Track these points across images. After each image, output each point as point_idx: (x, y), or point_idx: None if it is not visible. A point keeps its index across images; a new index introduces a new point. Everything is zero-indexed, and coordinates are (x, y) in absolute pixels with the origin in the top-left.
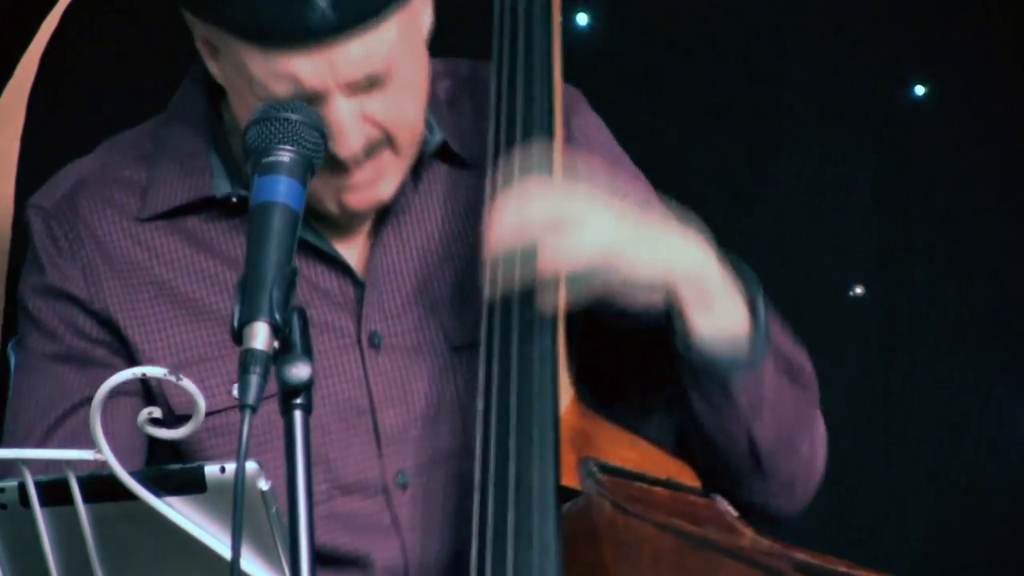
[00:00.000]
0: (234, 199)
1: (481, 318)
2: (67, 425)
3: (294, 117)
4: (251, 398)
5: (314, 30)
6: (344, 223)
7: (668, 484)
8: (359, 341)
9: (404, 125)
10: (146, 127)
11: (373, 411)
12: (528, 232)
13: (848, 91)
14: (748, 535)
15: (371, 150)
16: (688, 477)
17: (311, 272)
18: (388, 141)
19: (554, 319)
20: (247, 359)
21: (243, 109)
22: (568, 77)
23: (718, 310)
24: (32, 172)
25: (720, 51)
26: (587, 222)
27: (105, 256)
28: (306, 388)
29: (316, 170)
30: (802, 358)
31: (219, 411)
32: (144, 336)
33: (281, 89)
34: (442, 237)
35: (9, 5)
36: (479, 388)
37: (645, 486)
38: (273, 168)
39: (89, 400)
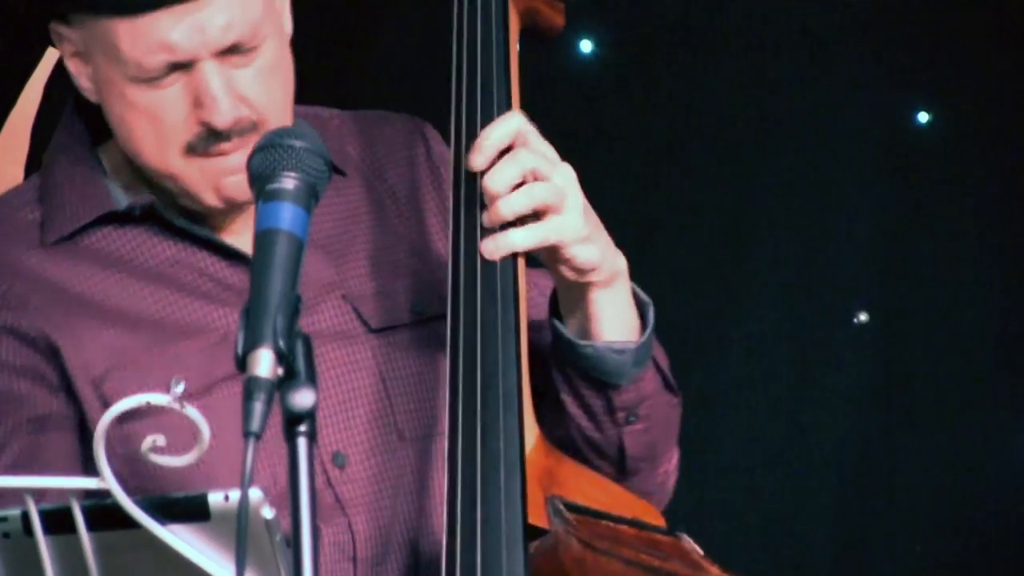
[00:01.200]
0: (136, 211)
1: (401, 301)
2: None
3: (298, 144)
4: (255, 425)
5: None
6: (229, 214)
7: (634, 523)
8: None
9: (273, 110)
10: (26, 182)
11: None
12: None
13: (852, 119)
14: (715, 572)
15: (242, 131)
16: (653, 516)
17: (215, 267)
18: (257, 127)
19: (519, 356)
20: (251, 386)
21: (116, 105)
22: (572, 103)
23: (620, 314)
24: None
25: (723, 79)
26: (569, 199)
27: (23, 279)
28: (310, 416)
29: (320, 197)
30: (671, 371)
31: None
32: (75, 345)
33: (153, 61)
34: (336, 233)
35: (14, 33)
36: (446, 429)
37: (611, 524)
38: (277, 195)
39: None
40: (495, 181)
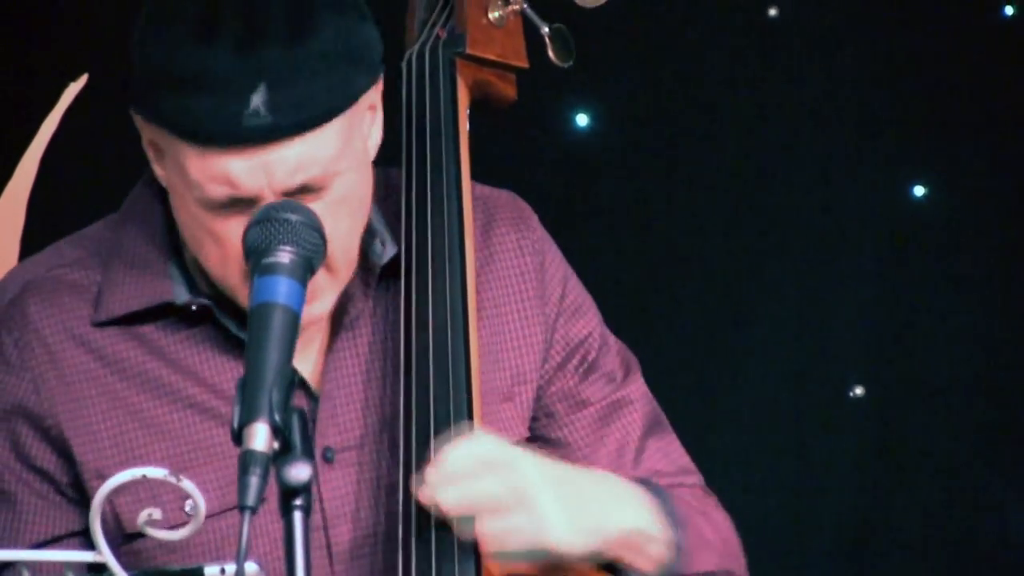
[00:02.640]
0: (193, 307)
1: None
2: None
3: (294, 218)
4: (250, 499)
5: (249, 131)
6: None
7: None
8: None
9: (337, 237)
10: (95, 230)
11: (326, 527)
12: (466, 504)
13: (848, 193)
14: None
15: None
16: None
17: None
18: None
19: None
20: (247, 460)
21: (183, 213)
22: (569, 175)
23: (641, 556)
24: None
25: (718, 153)
26: (524, 506)
27: (56, 367)
28: (306, 489)
29: (316, 271)
30: (727, 550)
31: (175, 526)
32: (95, 451)
33: (216, 192)
34: (396, 350)
35: (10, 107)
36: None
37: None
38: (273, 269)
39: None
40: (445, 500)
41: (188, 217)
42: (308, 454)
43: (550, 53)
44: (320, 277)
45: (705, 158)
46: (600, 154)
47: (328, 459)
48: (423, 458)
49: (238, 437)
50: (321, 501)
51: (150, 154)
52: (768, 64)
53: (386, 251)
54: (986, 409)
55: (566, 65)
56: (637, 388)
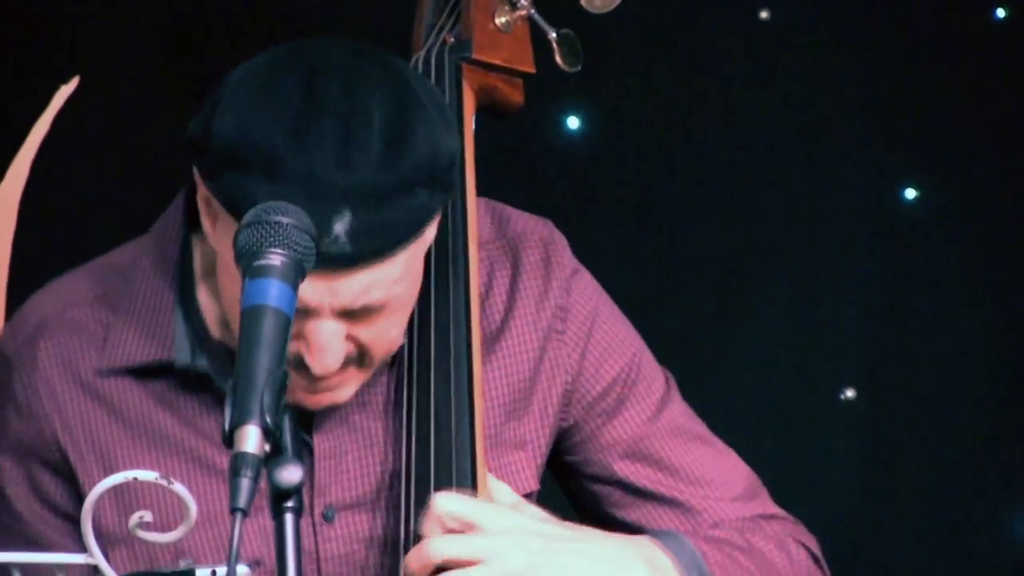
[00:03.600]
0: (192, 372)
1: None
2: None
3: (285, 220)
4: (242, 502)
5: (326, 258)
6: (297, 412)
7: None
8: (311, 514)
9: (383, 345)
10: (115, 258)
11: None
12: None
13: (839, 195)
14: None
15: (344, 365)
16: None
17: None
18: (361, 358)
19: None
20: (238, 462)
21: (228, 286)
22: (561, 179)
23: None
24: (23, 276)
25: (710, 155)
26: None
27: (61, 415)
28: (297, 491)
29: (306, 273)
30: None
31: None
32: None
33: None
34: (398, 411)
35: (1, 109)
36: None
37: None
38: (264, 272)
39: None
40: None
41: (230, 292)
42: (298, 456)
43: (557, 58)
44: (352, 369)
45: (697, 161)
46: (592, 157)
47: (328, 518)
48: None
49: (229, 439)
50: (318, 562)
51: (201, 207)
52: (760, 67)
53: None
54: (978, 412)
55: (574, 70)
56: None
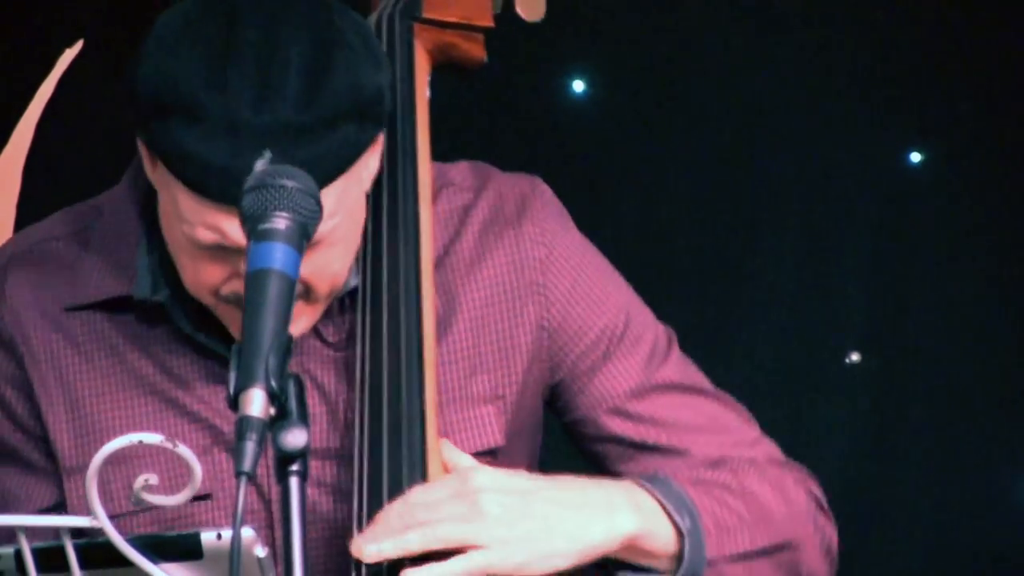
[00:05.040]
0: (151, 302)
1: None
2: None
3: (290, 184)
4: (247, 465)
5: None
6: None
7: None
8: (265, 455)
9: (326, 280)
10: (90, 204)
11: (272, 527)
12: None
13: (845, 159)
14: None
15: None
16: None
17: (221, 374)
18: (306, 293)
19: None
20: (243, 426)
21: (168, 230)
22: (565, 142)
23: (651, 551)
24: None
25: (715, 119)
26: (480, 540)
27: (28, 346)
28: (302, 455)
29: (311, 236)
30: (770, 530)
31: (120, 515)
32: (55, 428)
33: (205, 236)
34: (353, 363)
35: (5, 73)
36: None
37: None
38: (269, 235)
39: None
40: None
41: (171, 234)
42: (303, 420)
43: (516, 8)
44: (299, 304)
45: (701, 125)
46: (597, 121)
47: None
48: (373, 511)
49: (234, 403)
50: (268, 501)
51: (143, 152)
52: (765, 30)
53: (350, 281)
54: (983, 374)
55: (534, 21)
56: (662, 370)
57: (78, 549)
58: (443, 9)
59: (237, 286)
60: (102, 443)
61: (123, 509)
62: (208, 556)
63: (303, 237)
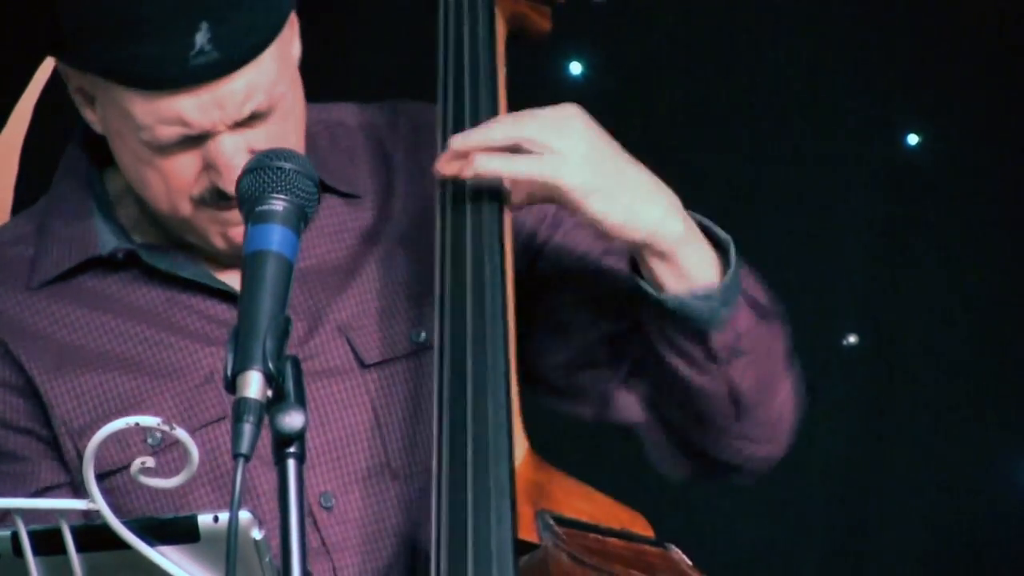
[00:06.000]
0: (120, 255)
1: (400, 330)
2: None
3: (287, 166)
4: (244, 447)
5: (198, 70)
6: (233, 259)
7: (622, 534)
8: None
9: None
10: (31, 209)
11: (330, 554)
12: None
13: (843, 141)
14: None
15: None
16: (641, 527)
17: (204, 305)
18: None
19: (508, 366)
20: (241, 408)
21: (125, 155)
22: None
23: (685, 263)
24: None
25: (712, 102)
26: (561, 148)
27: (8, 328)
28: (299, 437)
29: (309, 219)
30: (769, 297)
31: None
32: (56, 396)
33: (167, 132)
34: (340, 261)
35: (3, 55)
36: (433, 443)
37: (600, 537)
38: (267, 217)
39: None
40: (473, 136)
41: (131, 159)
42: (300, 402)
43: None
44: None
45: (698, 108)
46: (593, 104)
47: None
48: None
49: (231, 385)
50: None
51: (78, 101)
52: (762, 12)
53: None
54: (981, 358)
55: (600, 1)
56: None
57: (75, 532)
58: None
59: (213, 178)
60: (108, 402)
61: (143, 452)
62: (205, 538)
63: (300, 219)
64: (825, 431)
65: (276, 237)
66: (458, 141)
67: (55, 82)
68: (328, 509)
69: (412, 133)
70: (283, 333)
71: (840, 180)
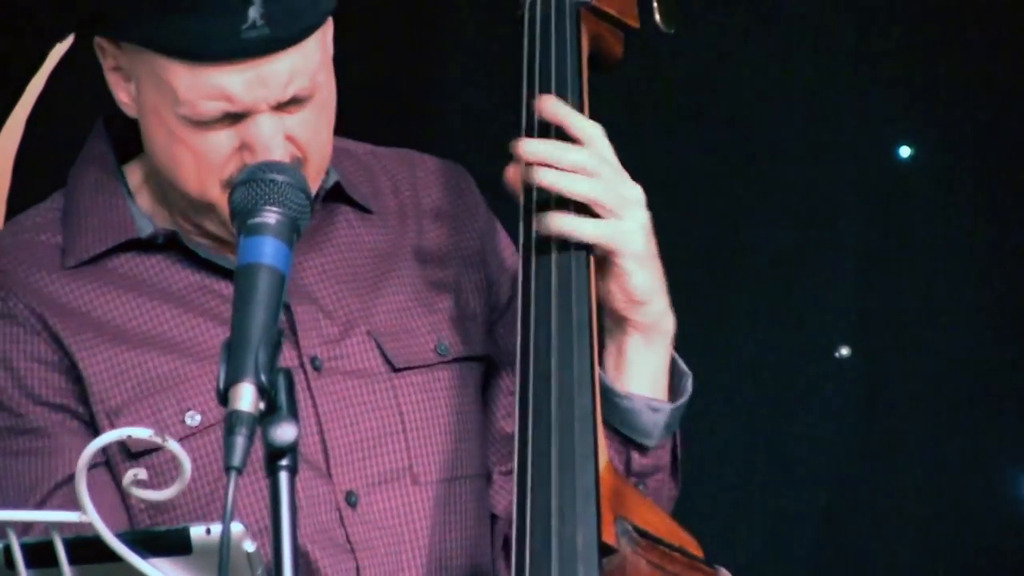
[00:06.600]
0: (160, 238)
1: (426, 341)
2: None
3: (280, 178)
4: (236, 460)
5: (249, 43)
6: None
7: (682, 551)
8: (302, 364)
9: (319, 147)
10: (49, 201)
11: (322, 430)
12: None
13: (833, 153)
14: None
15: None
16: (694, 548)
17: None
18: (301, 164)
19: (593, 373)
20: (232, 420)
21: (159, 133)
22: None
23: (654, 372)
24: None
25: (703, 115)
26: (633, 212)
27: (45, 304)
28: (292, 450)
29: (302, 232)
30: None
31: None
32: (95, 373)
33: (210, 108)
34: (364, 272)
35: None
36: (515, 447)
37: (666, 551)
38: (259, 229)
39: (62, 482)
40: (553, 147)
41: (165, 137)
42: (293, 414)
43: (656, 16)
44: None
45: (689, 121)
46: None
47: (316, 367)
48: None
49: (224, 397)
50: (315, 405)
51: (113, 81)
52: (754, 26)
53: (329, 178)
54: (973, 369)
55: (669, 32)
56: None
57: (67, 544)
58: (607, 1)
59: (246, 158)
60: (148, 381)
61: (180, 434)
62: (197, 550)
63: (293, 232)
64: (817, 444)
65: (269, 250)
66: (529, 154)
67: (47, 96)
68: (353, 507)
69: (418, 172)
70: (276, 345)
71: (832, 192)
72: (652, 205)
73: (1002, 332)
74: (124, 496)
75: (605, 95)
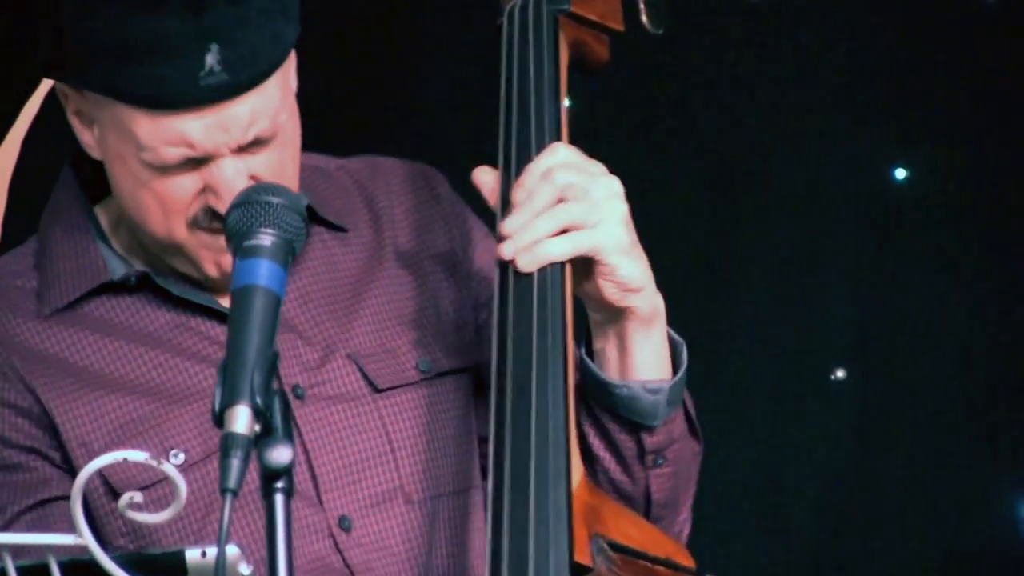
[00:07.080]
0: (132, 279)
1: (408, 359)
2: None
3: (275, 200)
4: (232, 482)
5: (208, 90)
6: (224, 286)
7: (668, 563)
8: (283, 394)
9: (285, 184)
10: (23, 246)
11: (309, 459)
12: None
13: (829, 175)
14: None
15: None
16: (684, 558)
17: (214, 331)
18: None
19: (567, 391)
20: (228, 443)
21: (124, 177)
22: None
23: (655, 352)
24: None
25: (698, 136)
26: (607, 212)
27: (20, 353)
28: (287, 472)
29: (297, 253)
30: (698, 417)
31: (154, 484)
32: (72, 420)
33: (171, 154)
34: (340, 292)
35: None
36: (490, 464)
37: (649, 565)
38: (255, 252)
39: (27, 509)
40: (520, 216)
41: (130, 181)
42: (288, 436)
43: (643, 19)
44: None
45: (685, 141)
46: (581, 134)
47: (299, 396)
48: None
49: (219, 419)
50: (300, 434)
51: (76, 125)
52: (749, 48)
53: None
54: (968, 390)
55: (657, 33)
56: None
57: (62, 567)
58: (587, 6)
59: (210, 200)
60: (129, 424)
61: (159, 477)
62: (192, 573)
63: (288, 253)
64: (812, 465)
65: (264, 271)
66: (510, 234)
67: (43, 116)
68: (347, 531)
69: (390, 180)
70: (271, 367)
71: (828, 214)
72: (648, 225)
73: (998, 355)
74: (100, 527)
75: (601, 124)
